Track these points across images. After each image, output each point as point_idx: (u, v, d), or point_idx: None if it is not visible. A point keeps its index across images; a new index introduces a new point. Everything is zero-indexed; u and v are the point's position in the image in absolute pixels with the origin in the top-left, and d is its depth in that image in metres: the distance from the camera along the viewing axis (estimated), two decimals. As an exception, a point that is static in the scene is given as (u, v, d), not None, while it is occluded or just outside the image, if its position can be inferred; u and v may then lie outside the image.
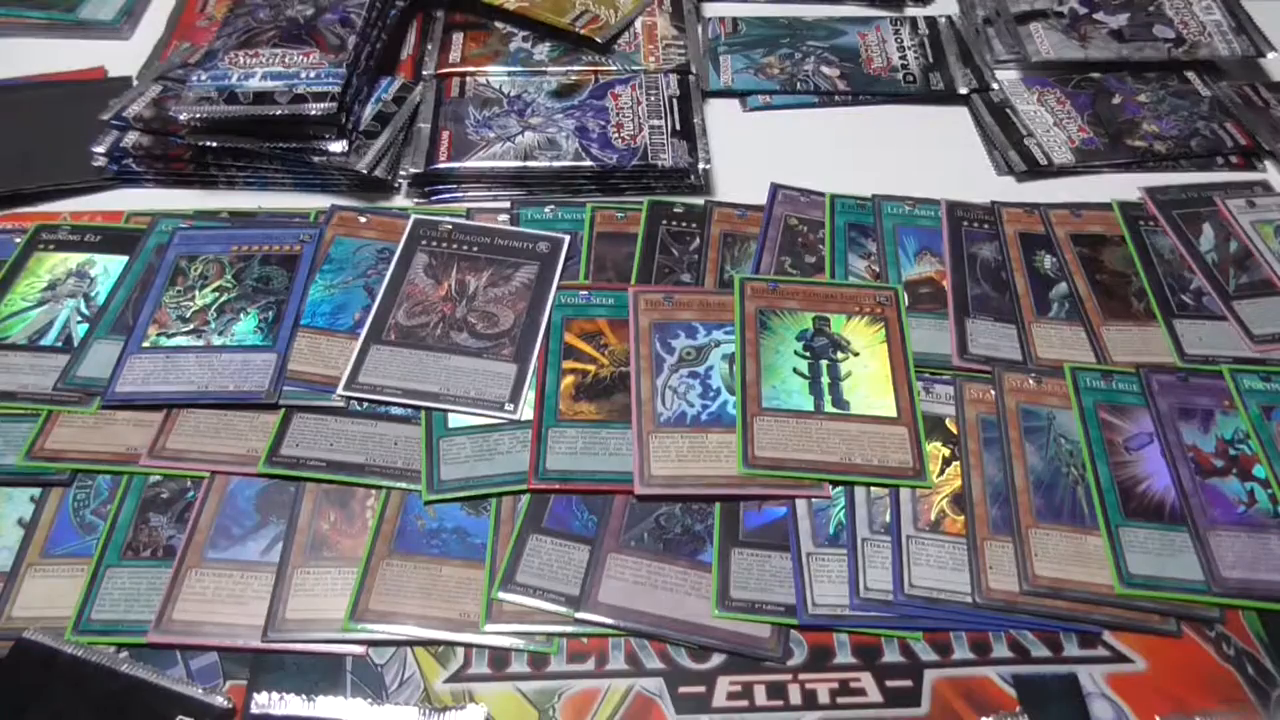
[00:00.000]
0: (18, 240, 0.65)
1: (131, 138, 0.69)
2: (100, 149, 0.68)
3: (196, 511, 0.53)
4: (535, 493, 0.54)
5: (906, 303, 0.62)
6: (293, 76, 0.66)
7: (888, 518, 0.53)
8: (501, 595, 0.50)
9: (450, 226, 0.66)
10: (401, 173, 0.70)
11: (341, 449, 0.55)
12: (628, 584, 0.51)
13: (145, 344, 0.59)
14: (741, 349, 0.59)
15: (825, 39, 0.83)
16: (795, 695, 0.48)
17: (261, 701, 0.46)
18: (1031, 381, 0.58)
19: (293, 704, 0.46)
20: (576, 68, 0.77)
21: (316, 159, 0.67)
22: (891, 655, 0.49)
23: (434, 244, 0.65)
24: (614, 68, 0.77)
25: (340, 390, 0.57)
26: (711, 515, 0.53)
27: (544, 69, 0.76)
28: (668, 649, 0.49)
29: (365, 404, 0.57)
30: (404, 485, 0.54)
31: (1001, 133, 0.76)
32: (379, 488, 0.54)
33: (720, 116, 0.78)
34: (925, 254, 0.66)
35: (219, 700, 0.46)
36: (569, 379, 0.58)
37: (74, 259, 0.64)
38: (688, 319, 0.61)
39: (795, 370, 0.58)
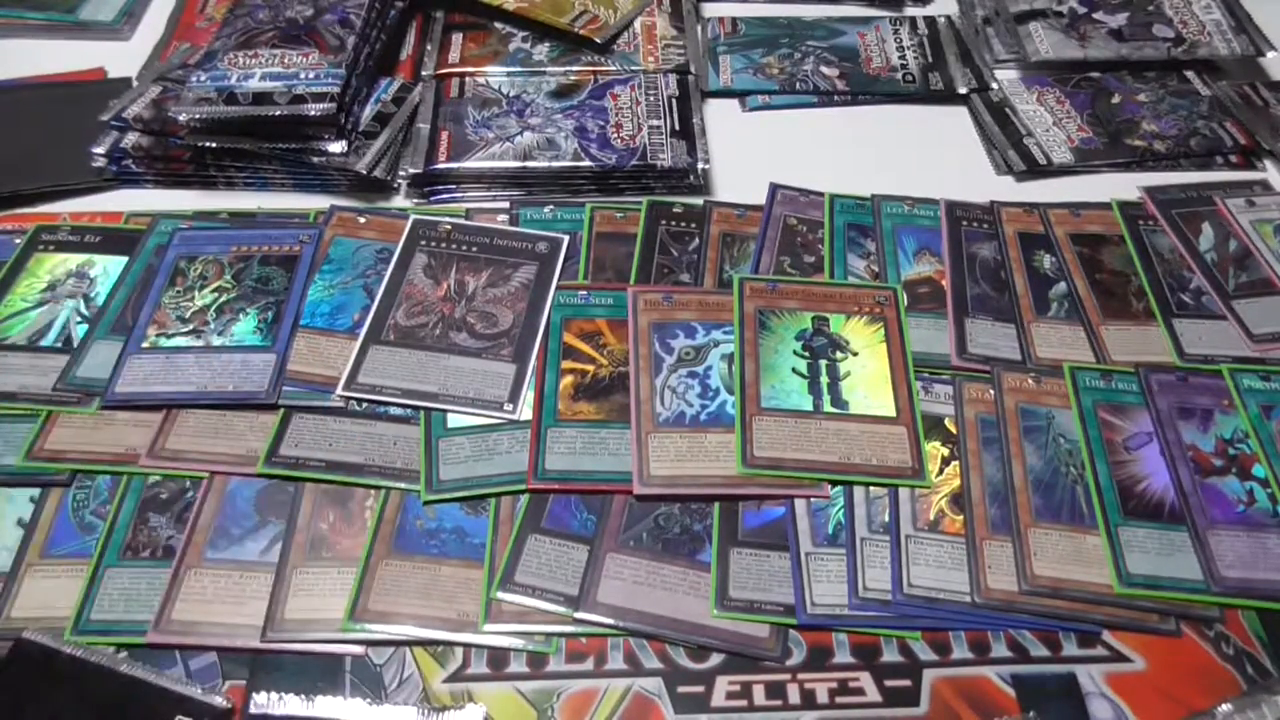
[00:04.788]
0: (18, 241, 0.65)
1: (131, 138, 0.69)
2: (100, 150, 0.68)
3: (196, 512, 0.53)
4: (534, 492, 0.54)
5: (905, 302, 0.62)
6: (292, 77, 0.66)
7: (886, 517, 0.53)
8: (500, 595, 0.50)
9: (449, 227, 0.66)
10: (401, 173, 0.70)
11: (340, 449, 0.55)
12: (626, 584, 0.51)
13: (145, 344, 0.59)
14: (740, 349, 0.59)
15: (824, 39, 0.83)
16: (794, 695, 0.48)
17: (260, 701, 0.46)
18: (1031, 381, 0.58)
19: (292, 704, 0.46)
20: (576, 68, 0.77)
21: (316, 159, 0.67)
22: (890, 655, 0.49)
23: (433, 244, 0.65)
24: (613, 68, 0.77)
25: (339, 390, 0.57)
26: (710, 515, 0.53)
27: (543, 69, 0.76)
28: (666, 649, 0.49)
29: (364, 404, 0.57)
30: (403, 485, 0.54)
31: (1001, 132, 0.76)
32: (378, 488, 0.54)
33: (719, 116, 0.78)
34: (924, 254, 0.66)
35: (218, 700, 0.46)
36: (568, 379, 0.58)
37: (74, 259, 0.64)
38: (687, 319, 0.61)
39: (794, 370, 0.58)
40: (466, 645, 0.49)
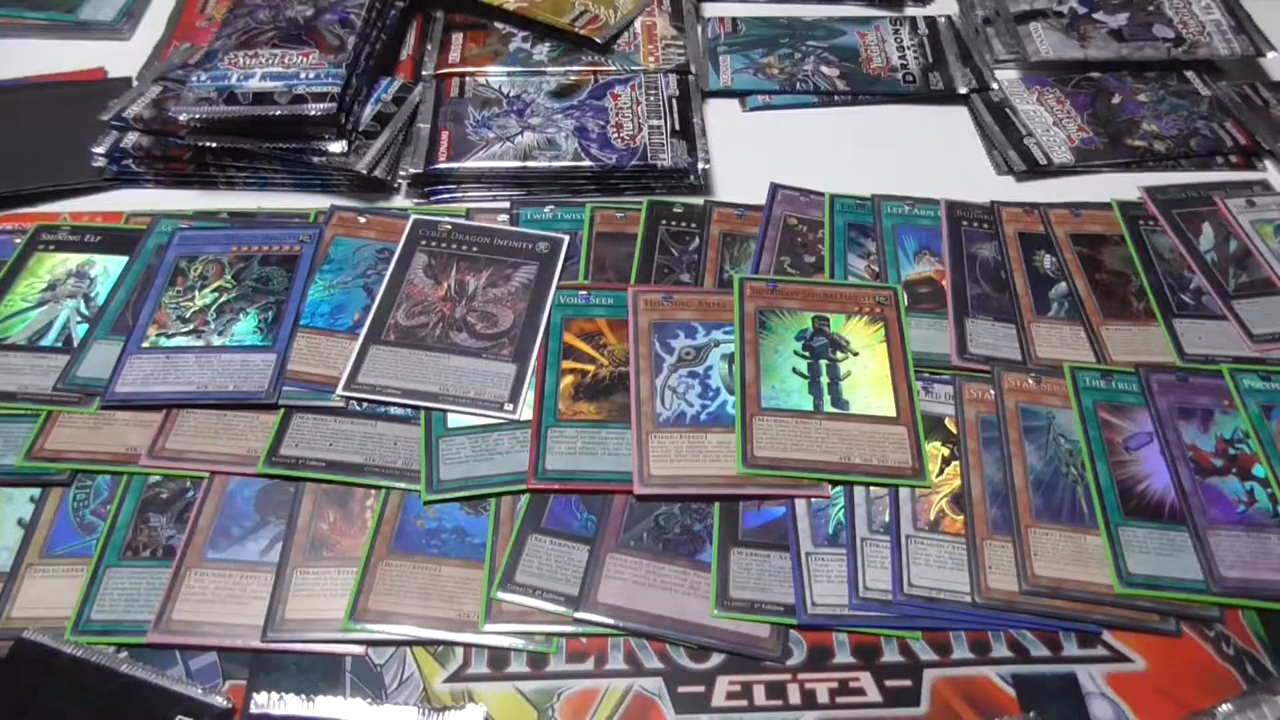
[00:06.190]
0: (18, 241, 0.65)
1: (131, 138, 0.69)
2: (100, 149, 0.68)
3: (196, 511, 0.53)
4: (534, 492, 0.54)
5: (906, 302, 0.62)
6: (292, 77, 0.66)
7: (887, 517, 0.53)
8: (501, 595, 0.50)
9: (450, 227, 0.66)
10: (401, 173, 0.70)
11: (341, 449, 0.55)
12: (627, 584, 0.51)
13: (145, 344, 0.59)
14: (741, 349, 0.59)
15: (825, 39, 0.83)
16: (794, 695, 0.48)
17: (261, 701, 0.46)
18: (1031, 381, 0.58)
19: (292, 704, 0.46)
20: (576, 68, 0.77)
21: (316, 159, 0.67)
22: (891, 655, 0.49)
23: (433, 244, 0.65)
24: (613, 68, 0.77)
25: (340, 390, 0.57)
26: (711, 515, 0.53)
27: (543, 69, 0.76)
28: (667, 649, 0.49)
29: (364, 404, 0.57)
30: (403, 485, 0.54)
31: (1001, 132, 0.76)
32: (378, 488, 0.54)
33: (720, 116, 0.78)
34: (925, 254, 0.66)
35: (218, 700, 0.46)
36: (568, 379, 0.58)
37: (74, 259, 0.64)
38: (687, 319, 0.61)
39: (794, 370, 0.58)
40: (467, 645, 0.49)
